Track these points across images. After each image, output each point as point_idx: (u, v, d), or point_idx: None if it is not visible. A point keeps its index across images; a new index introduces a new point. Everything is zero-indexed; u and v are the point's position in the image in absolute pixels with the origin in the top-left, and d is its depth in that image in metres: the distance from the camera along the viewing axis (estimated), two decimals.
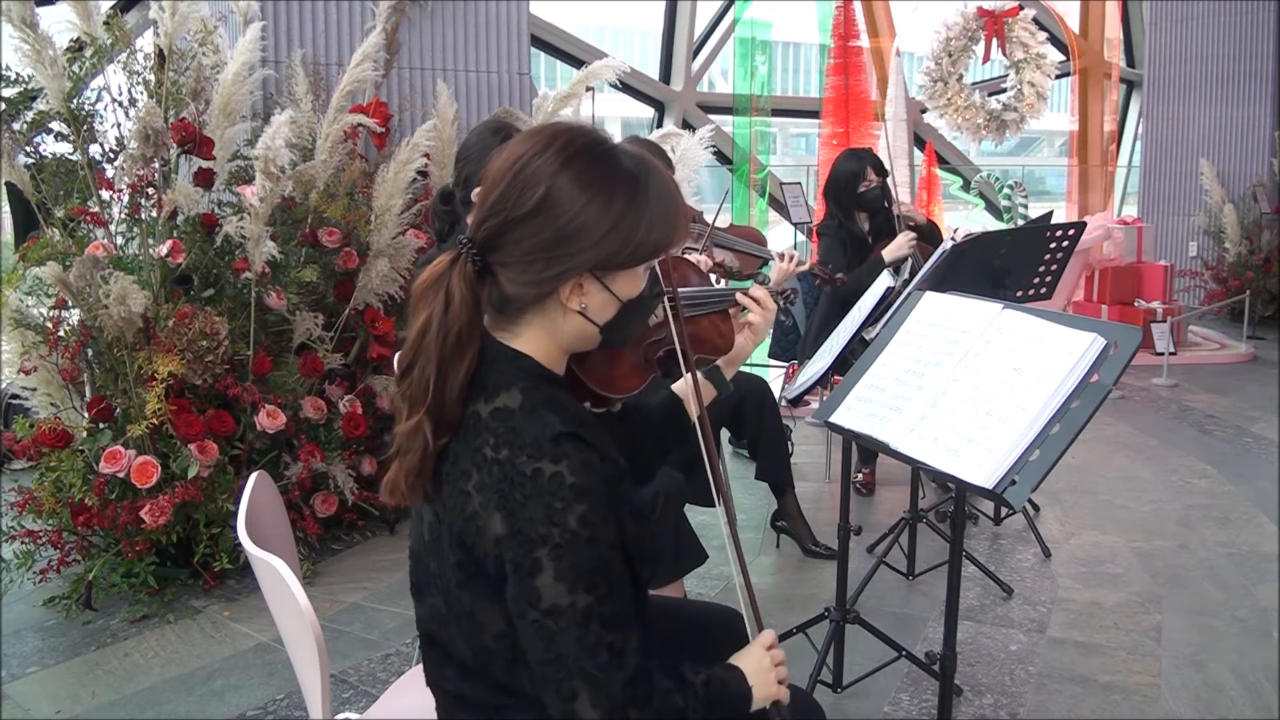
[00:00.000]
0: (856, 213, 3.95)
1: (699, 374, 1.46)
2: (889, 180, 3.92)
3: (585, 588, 1.07)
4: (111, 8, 3.44)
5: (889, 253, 3.64)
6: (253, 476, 1.53)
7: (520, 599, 1.09)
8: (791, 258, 3.11)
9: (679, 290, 1.43)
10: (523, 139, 1.16)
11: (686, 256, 2.78)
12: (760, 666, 1.25)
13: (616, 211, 1.13)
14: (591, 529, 1.07)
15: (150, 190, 3.14)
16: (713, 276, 3.30)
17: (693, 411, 1.48)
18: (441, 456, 1.16)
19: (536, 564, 1.07)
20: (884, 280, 2.61)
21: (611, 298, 1.18)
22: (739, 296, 1.65)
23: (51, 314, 3.07)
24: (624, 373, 1.40)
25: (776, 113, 8.28)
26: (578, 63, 7.17)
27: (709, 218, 3.25)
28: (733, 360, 1.61)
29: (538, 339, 1.19)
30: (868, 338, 2.42)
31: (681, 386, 1.52)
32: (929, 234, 3.85)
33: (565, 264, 1.13)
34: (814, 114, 7.32)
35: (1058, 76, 7.44)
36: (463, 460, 1.13)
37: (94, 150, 3.22)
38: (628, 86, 7.70)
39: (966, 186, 8.07)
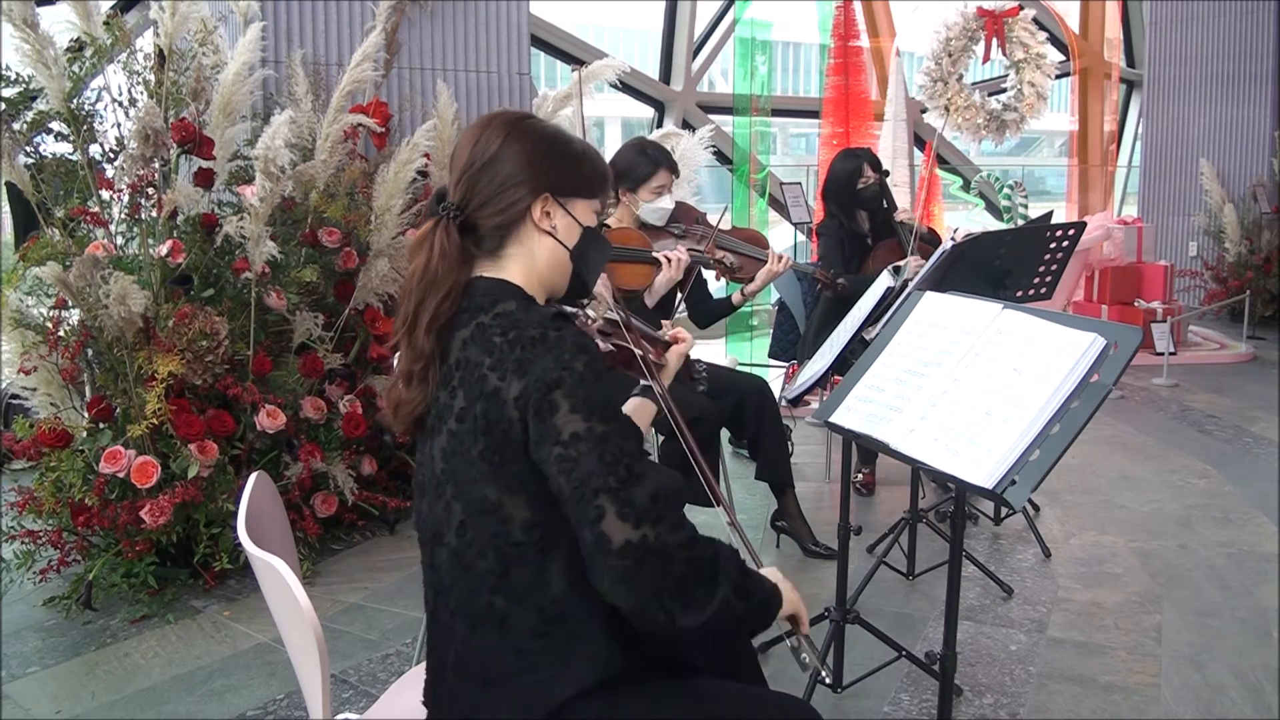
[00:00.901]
0: (857, 211, 3.96)
1: (640, 395, 1.71)
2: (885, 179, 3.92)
3: (600, 418, 1.21)
4: (111, 8, 3.44)
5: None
6: (253, 476, 1.53)
7: (544, 441, 1.21)
8: (780, 259, 3.29)
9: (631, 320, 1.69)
10: (474, 125, 1.43)
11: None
12: (779, 576, 1.36)
13: (559, 150, 1.40)
14: (597, 372, 1.25)
15: (150, 190, 3.14)
16: (711, 274, 3.34)
17: (644, 423, 1.68)
18: (445, 377, 1.32)
19: (553, 404, 1.21)
20: (884, 280, 2.62)
21: (574, 222, 1.41)
22: (666, 335, 1.85)
23: (51, 314, 3.07)
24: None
25: (776, 113, 8.26)
26: (578, 63, 7.17)
27: (712, 219, 3.28)
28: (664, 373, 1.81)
29: (522, 268, 1.39)
30: (867, 338, 2.42)
31: (630, 405, 1.70)
32: (929, 240, 3.86)
33: (527, 185, 1.37)
34: (814, 114, 7.30)
35: (1058, 76, 7.43)
36: (474, 355, 1.29)
37: (94, 150, 3.21)
38: (628, 86, 7.69)
39: (966, 186, 8.07)
